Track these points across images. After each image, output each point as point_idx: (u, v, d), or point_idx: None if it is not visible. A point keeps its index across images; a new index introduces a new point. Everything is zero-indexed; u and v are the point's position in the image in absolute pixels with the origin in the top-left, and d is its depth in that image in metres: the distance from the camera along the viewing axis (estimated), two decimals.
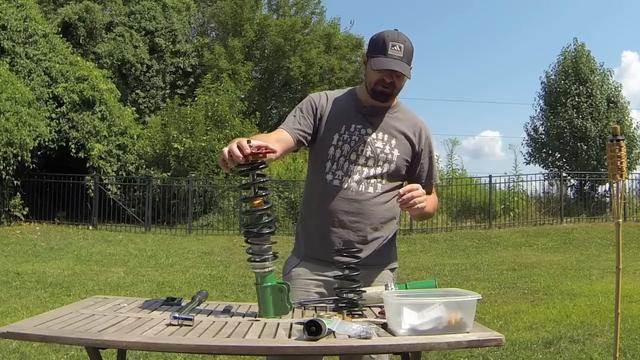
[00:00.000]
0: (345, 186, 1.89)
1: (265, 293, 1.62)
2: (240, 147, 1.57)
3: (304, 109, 1.97)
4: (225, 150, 1.59)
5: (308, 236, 1.97)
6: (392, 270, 1.99)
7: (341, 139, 1.92)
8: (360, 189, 1.89)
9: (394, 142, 1.93)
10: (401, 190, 1.75)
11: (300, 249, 1.99)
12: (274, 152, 1.65)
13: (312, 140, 1.96)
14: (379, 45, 1.86)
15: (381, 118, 1.95)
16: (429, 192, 1.93)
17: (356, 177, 1.90)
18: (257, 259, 1.63)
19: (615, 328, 2.65)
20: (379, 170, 1.91)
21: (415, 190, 1.74)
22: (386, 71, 1.85)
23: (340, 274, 1.73)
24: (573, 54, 16.28)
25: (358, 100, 1.98)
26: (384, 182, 1.91)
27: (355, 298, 1.67)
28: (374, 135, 1.93)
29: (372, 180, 1.90)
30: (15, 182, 11.72)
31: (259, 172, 1.65)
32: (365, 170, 1.90)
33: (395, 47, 1.84)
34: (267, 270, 1.63)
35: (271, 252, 1.65)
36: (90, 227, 12.51)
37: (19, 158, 11.25)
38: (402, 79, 1.88)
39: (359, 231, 1.89)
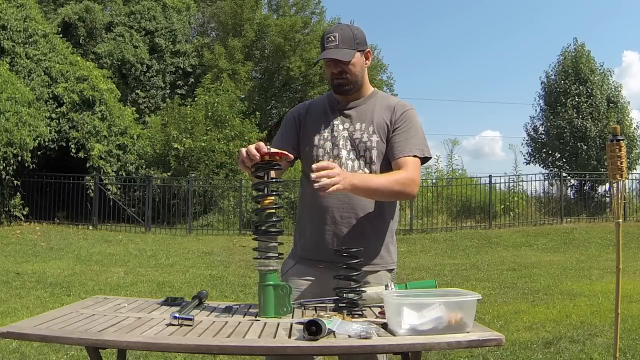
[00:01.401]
0: None
1: (265, 292, 1.62)
2: (257, 148, 1.63)
3: (287, 125, 2.04)
4: (243, 149, 1.65)
5: (303, 237, 1.98)
6: (389, 271, 1.97)
7: (322, 137, 1.95)
8: None
9: (371, 128, 1.92)
10: (313, 175, 1.59)
11: (296, 251, 2.01)
12: (289, 157, 1.70)
13: (300, 149, 2.00)
14: (321, 44, 1.95)
15: (357, 110, 1.96)
16: (399, 167, 1.84)
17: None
18: (261, 257, 1.63)
19: (615, 328, 2.65)
20: (362, 160, 1.91)
21: (326, 169, 1.61)
22: (327, 60, 1.90)
23: (340, 273, 1.73)
24: (573, 54, 16.30)
25: (333, 99, 2.01)
26: (372, 171, 1.89)
27: (355, 298, 1.67)
28: (351, 128, 1.94)
29: (359, 172, 1.89)
30: (15, 182, 11.73)
31: (273, 173, 1.69)
32: (350, 163, 1.90)
33: (330, 38, 1.89)
34: (270, 268, 1.63)
35: (276, 252, 1.65)
36: (90, 227, 12.51)
37: (19, 158, 11.25)
38: (350, 65, 1.89)
39: (352, 226, 1.88)
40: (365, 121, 1.93)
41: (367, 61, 1.97)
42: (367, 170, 1.90)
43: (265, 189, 1.67)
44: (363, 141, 1.91)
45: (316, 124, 1.98)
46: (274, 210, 1.67)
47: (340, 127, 1.95)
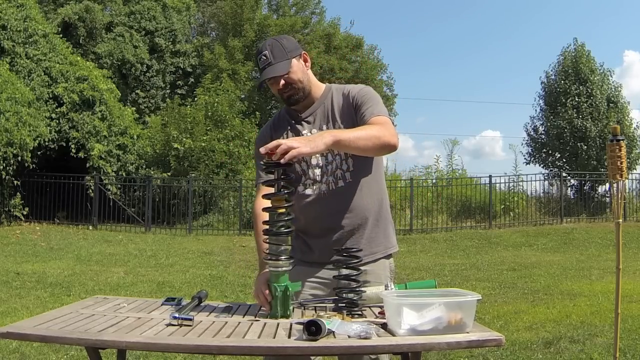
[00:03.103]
0: (317, 191, 1.91)
1: (279, 293, 1.62)
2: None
3: (260, 157, 1.99)
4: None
5: (300, 243, 1.99)
6: (388, 257, 1.97)
7: None
8: (330, 187, 1.90)
9: (337, 124, 1.93)
10: (262, 150, 1.56)
11: (295, 255, 2.00)
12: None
13: None
14: (256, 64, 1.95)
15: (319, 112, 1.96)
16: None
17: (324, 178, 1.91)
18: (272, 258, 1.63)
19: (615, 328, 2.65)
20: (338, 159, 1.91)
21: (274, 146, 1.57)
22: (268, 82, 1.89)
23: (339, 273, 1.73)
24: (573, 54, 16.30)
25: (292, 111, 2.00)
26: (351, 168, 1.90)
27: (355, 298, 1.67)
28: (319, 132, 1.93)
29: (339, 172, 1.90)
30: (15, 182, 11.73)
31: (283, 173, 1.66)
32: (330, 167, 1.91)
33: (262, 58, 1.88)
34: (279, 270, 1.62)
35: (287, 253, 1.64)
36: (90, 227, 12.51)
37: (19, 158, 11.25)
38: (290, 74, 1.89)
39: (346, 225, 1.89)
40: (330, 120, 1.93)
41: (306, 64, 1.97)
42: (349, 167, 1.90)
43: (276, 187, 1.65)
44: None
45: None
46: (284, 210, 1.64)
47: (309, 134, 1.93)
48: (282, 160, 1.53)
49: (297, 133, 1.96)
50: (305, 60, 1.96)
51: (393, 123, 1.87)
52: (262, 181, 1.71)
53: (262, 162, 1.63)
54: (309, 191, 1.92)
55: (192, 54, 20.40)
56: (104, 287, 6.44)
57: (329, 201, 1.89)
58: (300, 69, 1.92)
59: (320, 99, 1.97)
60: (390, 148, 1.79)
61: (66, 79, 13.24)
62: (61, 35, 15.04)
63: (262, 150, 1.55)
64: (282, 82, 1.88)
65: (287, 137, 1.94)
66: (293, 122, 1.99)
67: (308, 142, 1.59)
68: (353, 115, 1.90)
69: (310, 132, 1.94)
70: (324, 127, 1.93)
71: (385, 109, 1.89)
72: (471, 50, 49.79)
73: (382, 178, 2.01)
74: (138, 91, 18.71)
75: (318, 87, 1.99)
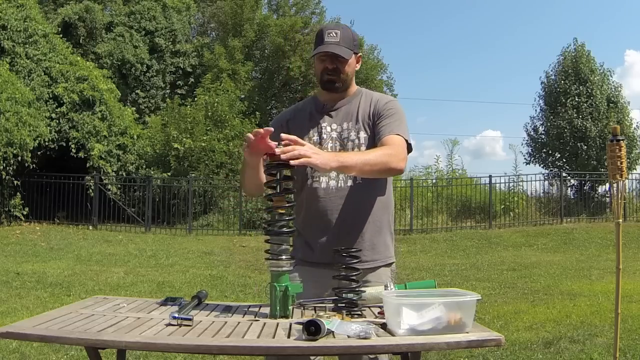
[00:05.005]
0: (325, 186, 1.91)
1: (279, 292, 1.62)
2: (257, 134, 1.61)
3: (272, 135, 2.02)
4: (250, 134, 1.63)
5: (301, 242, 1.99)
6: (388, 265, 1.97)
7: (311, 141, 1.92)
8: (339, 184, 1.91)
9: (357, 126, 1.94)
10: (277, 151, 1.56)
11: (296, 254, 2.00)
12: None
13: None
14: (317, 38, 1.94)
15: (343, 109, 1.97)
16: (384, 145, 1.82)
17: (333, 174, 1.91)
18: (273, 258, 1.63)
19: (615, 328, 2.65)
20: None
21: (295, 142, 1.58)
22: (323, 55, 1.89)
23: (339, 274, 1.73)
24: (573, 54, 16.32)
25: (318, 101, 2.02)
26: None
27: (354, 298, 1.67)
28: (339, 128, 1.95)
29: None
30: (15, 182, 11.73)
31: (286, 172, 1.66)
32: None
33: (331, 34, 1.89)
34: (280, 270, 1.62)
35: (288, 253, 1.64)
36: (90, 227, 12.51)
37: (19, 158, 11.25)
38: (344, 63, 1.91)
39: (349, 226, 1.90)
40: (352, 120, 1.95)
41: (357, 64, 2.00)
42: None
43: (278, 187, 1.65)
44: (351, 139, 1.92)
45: (303, 128, 1.96)
46: (284, 210, 1.64)
47: (328, 128, 1.95)
48: (292, 162, 1.54)
49: (315, 123, 1.97)
50: (357, 61, 1.99)
51: (409, 142, 1.87)
52: (265, 182, 1.71)
53: (265, 163, 1.63)
54: (316, 184, 1.92)
55: (192, 54, 20.40)
56: (104, 287, 6.44)
57: (336, 198, 1.90)
58: (353, 65, 1.96)
59: (349, 97, 1.99)
60: (395, 172, 1.83)
61: (66, 79, 13.24)
62: (61, 35, 15.03)
63: (277, 151, 1.56)
64: (335, 65, 1.90)
65: (304, 127, 1.96)
66: (315, 111, 1.99)
67: (321, 158, 1.59)
68: (373, 123, 1.92)
69: (330, 127, 1.95)
70: (344, 124, 1.94)
71: (405, 127, 1.90)
72: (471, 50, 49.79)
73: (390, 190, 2.02)
74: (138, 91, 18.71)
75: (353, 88, 2.01)
